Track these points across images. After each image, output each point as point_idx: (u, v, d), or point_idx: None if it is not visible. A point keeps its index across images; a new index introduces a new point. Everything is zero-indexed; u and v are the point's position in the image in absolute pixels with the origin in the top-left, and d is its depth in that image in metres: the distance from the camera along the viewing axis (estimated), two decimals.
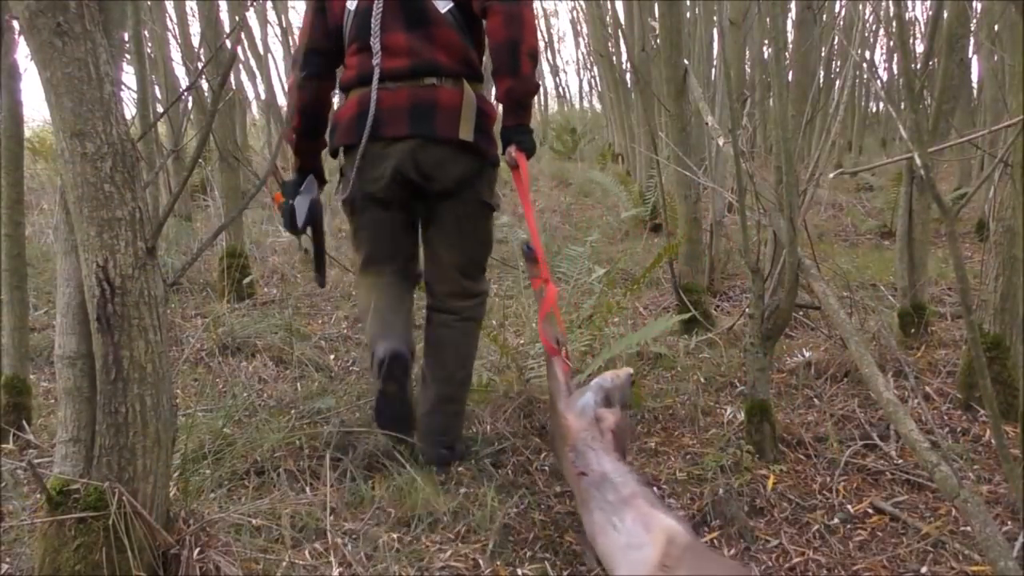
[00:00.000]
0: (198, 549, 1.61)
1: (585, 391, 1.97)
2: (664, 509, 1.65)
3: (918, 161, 1.67)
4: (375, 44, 2.15)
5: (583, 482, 1.75)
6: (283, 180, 2.35)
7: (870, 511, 2.08)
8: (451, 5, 2.13)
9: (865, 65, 6.92)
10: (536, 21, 2.14)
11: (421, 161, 2.16)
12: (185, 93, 5.10)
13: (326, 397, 2.71)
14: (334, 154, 2.34)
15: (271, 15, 9.39)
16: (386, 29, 2.15)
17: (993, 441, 2.31)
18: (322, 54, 2.28)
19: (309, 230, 2.30)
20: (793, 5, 5.20)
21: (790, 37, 3.76)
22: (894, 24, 8.88)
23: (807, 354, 3.15)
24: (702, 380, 3.01)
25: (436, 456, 2.29)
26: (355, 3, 2.20)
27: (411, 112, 2.14)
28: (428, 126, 2.13)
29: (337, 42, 2.26)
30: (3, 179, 2.50)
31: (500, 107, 2.29)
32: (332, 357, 3.39)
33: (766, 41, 6.46)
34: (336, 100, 2.44)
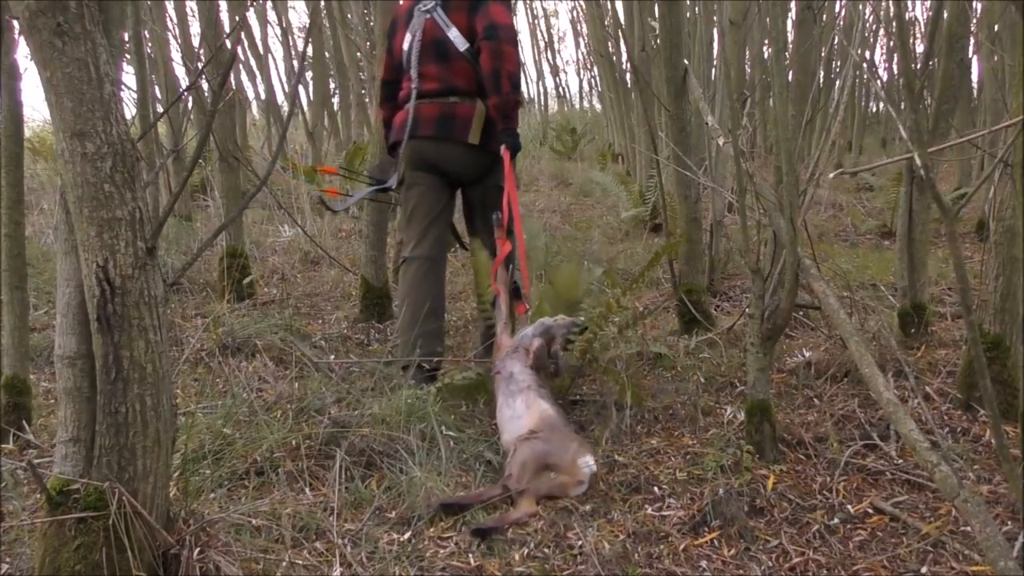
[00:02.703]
0: (198, 549, 1.61)
1: (530, 327, 2.72)
2: (547, 399, 2.42)
3: (918, 161, 1.67)
4: (414, 72, 3.04)
5: (498, 378, 2.56)
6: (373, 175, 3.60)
7: (870, 511, 2.08)
8: (468, 45, 2.96)
9: (865, 65, 6.91)
10: (518, 53, 2.93)
11: (442, 152, 3.04)
12: (185, 93, 5.10)
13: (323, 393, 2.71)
14: (391, 149, 3.20)
15: (271, 15, 9.42)
16: (423, 62, 3.04)
17: (993, 441, 2.31)
18: (392, 83, 3.20)
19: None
20: (793, 5, 5.20)
21: (790, 37, 3.76)
22: (894, 24, 8.89)
23: (807, 354, 3.15)
24: (702, 380, 3.00)
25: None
26: (407, 44, 3.06)
27: (438, 120, 3.01)
28: (448, 130, 3.01)
29: (400, 73, 3.12)
30: (3, 179, 2.50)
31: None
32: (332, 357, 3.39)
33: (766, 41, 6.47)
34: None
